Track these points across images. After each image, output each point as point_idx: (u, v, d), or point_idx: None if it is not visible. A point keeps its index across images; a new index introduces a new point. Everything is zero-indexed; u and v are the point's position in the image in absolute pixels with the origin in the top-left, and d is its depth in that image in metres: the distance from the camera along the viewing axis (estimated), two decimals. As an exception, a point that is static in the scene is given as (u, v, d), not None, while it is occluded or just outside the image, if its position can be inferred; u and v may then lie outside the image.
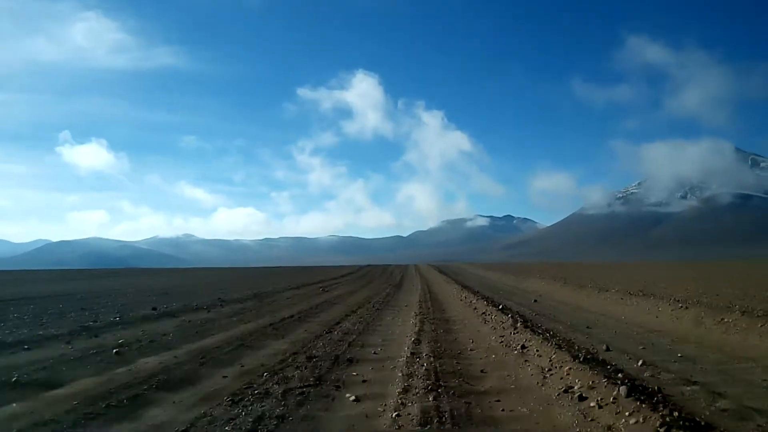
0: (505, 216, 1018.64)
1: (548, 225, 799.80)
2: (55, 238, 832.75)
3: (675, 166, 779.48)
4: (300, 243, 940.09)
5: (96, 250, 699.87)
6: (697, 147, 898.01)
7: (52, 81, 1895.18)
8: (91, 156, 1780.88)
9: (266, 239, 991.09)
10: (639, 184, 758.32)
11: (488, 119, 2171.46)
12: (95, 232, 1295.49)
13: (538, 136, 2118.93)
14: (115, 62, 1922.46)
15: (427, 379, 7.18)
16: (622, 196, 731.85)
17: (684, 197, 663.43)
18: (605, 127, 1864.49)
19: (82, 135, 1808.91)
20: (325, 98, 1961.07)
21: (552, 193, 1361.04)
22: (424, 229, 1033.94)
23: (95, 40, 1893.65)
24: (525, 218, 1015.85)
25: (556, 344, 8.68)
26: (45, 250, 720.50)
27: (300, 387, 6.95)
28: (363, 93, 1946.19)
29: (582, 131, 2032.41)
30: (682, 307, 13.92)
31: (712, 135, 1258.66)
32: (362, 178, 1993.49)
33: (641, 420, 4.78)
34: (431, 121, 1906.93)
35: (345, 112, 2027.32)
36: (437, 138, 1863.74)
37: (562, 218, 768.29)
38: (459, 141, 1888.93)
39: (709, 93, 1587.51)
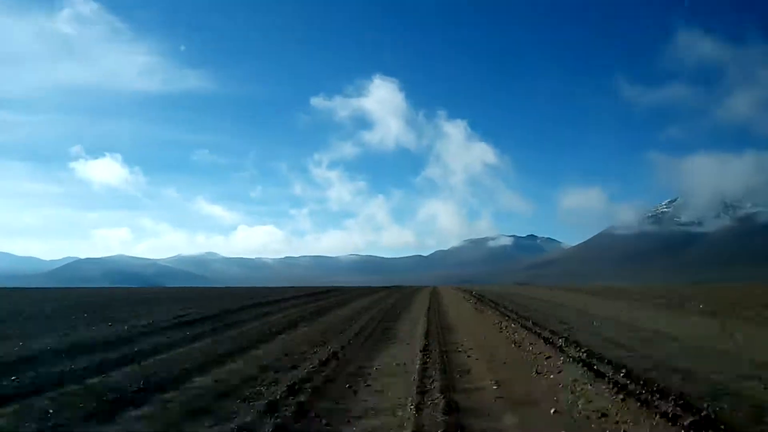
0: (528, 235, 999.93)
1: (573, 245, 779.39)
2: (82, 255, 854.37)
3: (716, 181, 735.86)
4: (320, 262, 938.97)
5: (121, 267, 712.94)
6: (740, 160, 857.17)
7: (83, 102, 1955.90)
8: (111, 174, 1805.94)
9: (287, 258, 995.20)
10: (669, 202, 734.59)
11: (515, 129, 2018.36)
12: (120, 249, 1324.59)
13: (570, 147, 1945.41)
14: (142, 84, 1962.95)
15: None
16: (652, 215, 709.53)
17: (717, 216, 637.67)
18: (646, 137, 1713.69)
19: (98, 152, 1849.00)
20: (340, 107, 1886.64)
21: (581, 211, 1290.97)
22: (446, 248, 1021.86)
23: (126, 62, 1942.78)
24: (549, 238, 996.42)
25: None
26: (72, 267, 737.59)
27: None
28: (382, 99, 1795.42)
29: (619, 141, 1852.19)
30: None
31: (760, 146, 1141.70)
32: (382, 194, 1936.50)
33: None
34: (454, 131, 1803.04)
35: (363, 122, 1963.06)
36: (460, 150, 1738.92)
37: (587, 238, 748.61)
38: (483, 153, 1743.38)
39: (762, 95, 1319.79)
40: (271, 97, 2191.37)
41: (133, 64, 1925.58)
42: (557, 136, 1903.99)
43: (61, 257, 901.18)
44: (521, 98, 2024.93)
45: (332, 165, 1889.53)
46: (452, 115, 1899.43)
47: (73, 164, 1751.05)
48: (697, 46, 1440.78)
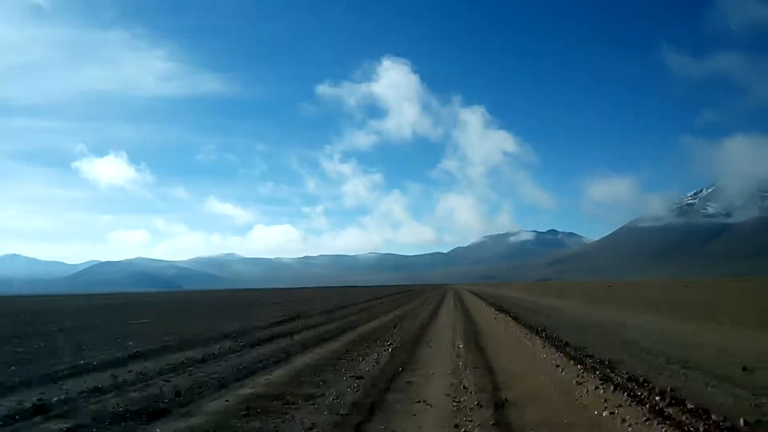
0: (549, 230, 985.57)
1: (596, 239, 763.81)
2: (103, 258, 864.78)
3: (749, 168, 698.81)
4: (340, 261, 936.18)
5: (141, 269, 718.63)
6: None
7: (105, 108, 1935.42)
8: (129, 177, 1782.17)
9: (306, 257, 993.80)
10: (695, 193, 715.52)
11: (537, 113, 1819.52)
12: (138, 252, 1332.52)
13: (598, 134, 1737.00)
14: (160, 89, 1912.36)
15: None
16: (678, 207, 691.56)
17: (746, 207, 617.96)
18: (682, 118, 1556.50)
19: (130, 159, 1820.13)
20: (349, 94, 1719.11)
21: (608, 203, 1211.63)
22: (465, 245, 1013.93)
23: (144, 68, 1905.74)
24: (570, 233, 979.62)
25: None
26: (95, 271, 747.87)
27: None
28: (394, 83, 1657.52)
29: (654, 125, 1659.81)
30: None
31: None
32: (399, 189, 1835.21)
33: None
34: (471, 118, 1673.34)
35: (375, 109, 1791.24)
36: (479, 139, 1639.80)
37: (610, 232, 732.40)
38: (503, 142, 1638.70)
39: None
40: (273, 87, 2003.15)
41: (145, 69, 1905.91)
42: (584, 121, 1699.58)
43: (83, 261, 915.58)
44: (545, 78, 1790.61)
45: (345, 157, 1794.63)
46: (469, 101, 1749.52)
47: (77, 164, 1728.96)
48: (744, 10, 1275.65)
